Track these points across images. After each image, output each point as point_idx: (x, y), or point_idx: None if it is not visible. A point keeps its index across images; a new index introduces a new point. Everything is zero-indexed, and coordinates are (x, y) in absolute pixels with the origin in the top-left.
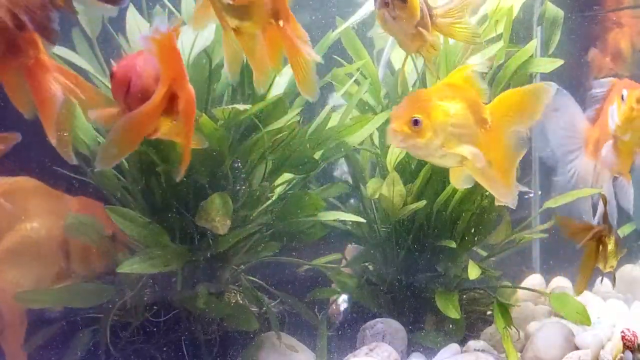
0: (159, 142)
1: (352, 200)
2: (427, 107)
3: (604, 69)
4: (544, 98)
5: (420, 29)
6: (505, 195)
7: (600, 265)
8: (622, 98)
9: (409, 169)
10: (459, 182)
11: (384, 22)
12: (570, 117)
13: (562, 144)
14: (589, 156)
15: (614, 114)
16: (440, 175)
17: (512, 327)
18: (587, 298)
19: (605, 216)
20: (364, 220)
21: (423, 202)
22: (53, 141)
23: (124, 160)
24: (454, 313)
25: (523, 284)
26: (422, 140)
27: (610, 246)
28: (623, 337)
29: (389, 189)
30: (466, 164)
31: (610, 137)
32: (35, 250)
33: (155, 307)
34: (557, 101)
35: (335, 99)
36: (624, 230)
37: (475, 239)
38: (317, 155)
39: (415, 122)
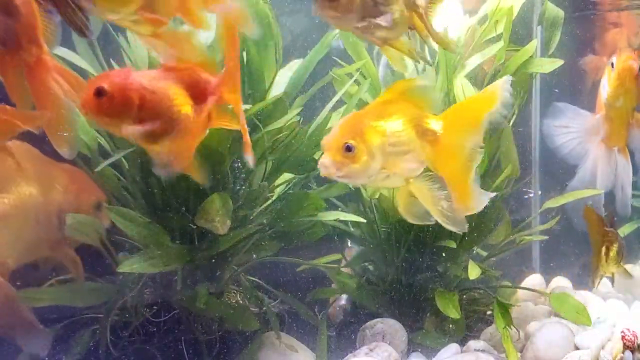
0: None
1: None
2: (359, 130)
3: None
4: (499, 102)
5: (375, 19)
6: (457, 221)
7: (602, 269)
8: (612, 65)
9: None
10: (407, 211)
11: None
12: (580, 126)
13: (582, 151)
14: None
15: (605, 83)
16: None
17: (512, 327)
18: (587, 298)
19: (611, 222)
20: (364, 220)
21: None
22: (51, 139)
23: (124, 160)
24: (454, 313)
25: (523, 284)
26: (358, 165)
27: (612, 253)
28: (623, 337)
29: (388, 189)
30: (412, 184)
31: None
32: (27, 215)
33: (155, 307)
34: (565, 118)
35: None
36: (624, 231)
37: (475, 239)
38: (317, 155)
39: (348, 149)
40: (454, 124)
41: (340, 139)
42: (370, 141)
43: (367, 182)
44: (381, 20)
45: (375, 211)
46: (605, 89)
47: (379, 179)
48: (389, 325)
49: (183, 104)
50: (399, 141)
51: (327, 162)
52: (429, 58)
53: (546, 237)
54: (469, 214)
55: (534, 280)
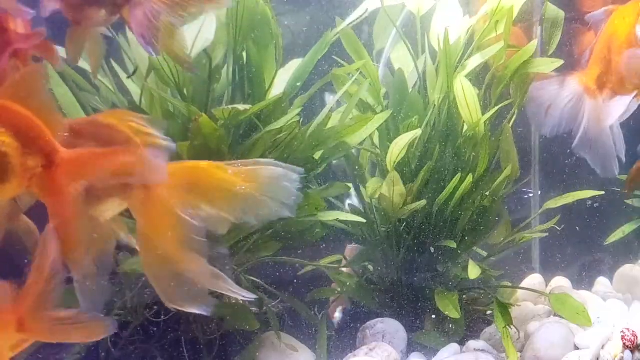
0: None
1: (351, 200)
2: None
3: None
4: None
5: None
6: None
7: None
8: None
9: (409, 168)
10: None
11: None
12: (552, 90)
13: (563, 112)
14: (594, 96)
15: None
16: (440, 176)
17: (512, 326)
18: (587, 298)
19: None
20: (364, 220)
21: (423, 202)
22: None
23: None
24: (454, 313)
25: (523, 284)
26: None
27: None
28: (623, 337)
29: (389, 189)
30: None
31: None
32: None
33: (155, 307)
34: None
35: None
36: (625, 230)
37: (475, 239)
38: (317, 155)
39: None
40: (183, 188)
41: None
42: None
43: None
44: None
45: (375, 211)
46: None
47: None
48: (389, 325)
49: None
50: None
51: None
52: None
53: (546, 234)
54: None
55: (534, 280)
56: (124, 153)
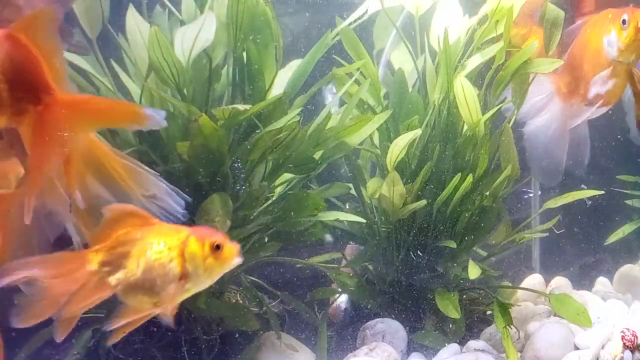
0: (159, 142)
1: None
2: None
3: None
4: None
5: None
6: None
7: None
8: (624, 22)
9: (409, 169)
10: None
11: None
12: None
13: (531, 104)
14: (563, 99)
15: (614, 40)
16: (440, 176)
17: (512, 326)
18: (587, 298)
19: None
20: (364, 220)
21: (423, 202)
22: None
23: None
24: (454, 313)
25: (523, 284)
26: None
27: None
28: (623, 337)
29: (389, 189)
30: None
31: (596, 67)
32: None
33: None
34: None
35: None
36: (625, 230)
37: (475, 239)
38: (317, 155)
39: None
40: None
41: None
42: None
43: None
44: None
45: (375, 211)
46: (616, 45)
47: None
48: (389, 325)
49: None
50: None
51: None
52: None
53: (546, 234)
54: None
55: (534, 280)
56: (122, 103)
